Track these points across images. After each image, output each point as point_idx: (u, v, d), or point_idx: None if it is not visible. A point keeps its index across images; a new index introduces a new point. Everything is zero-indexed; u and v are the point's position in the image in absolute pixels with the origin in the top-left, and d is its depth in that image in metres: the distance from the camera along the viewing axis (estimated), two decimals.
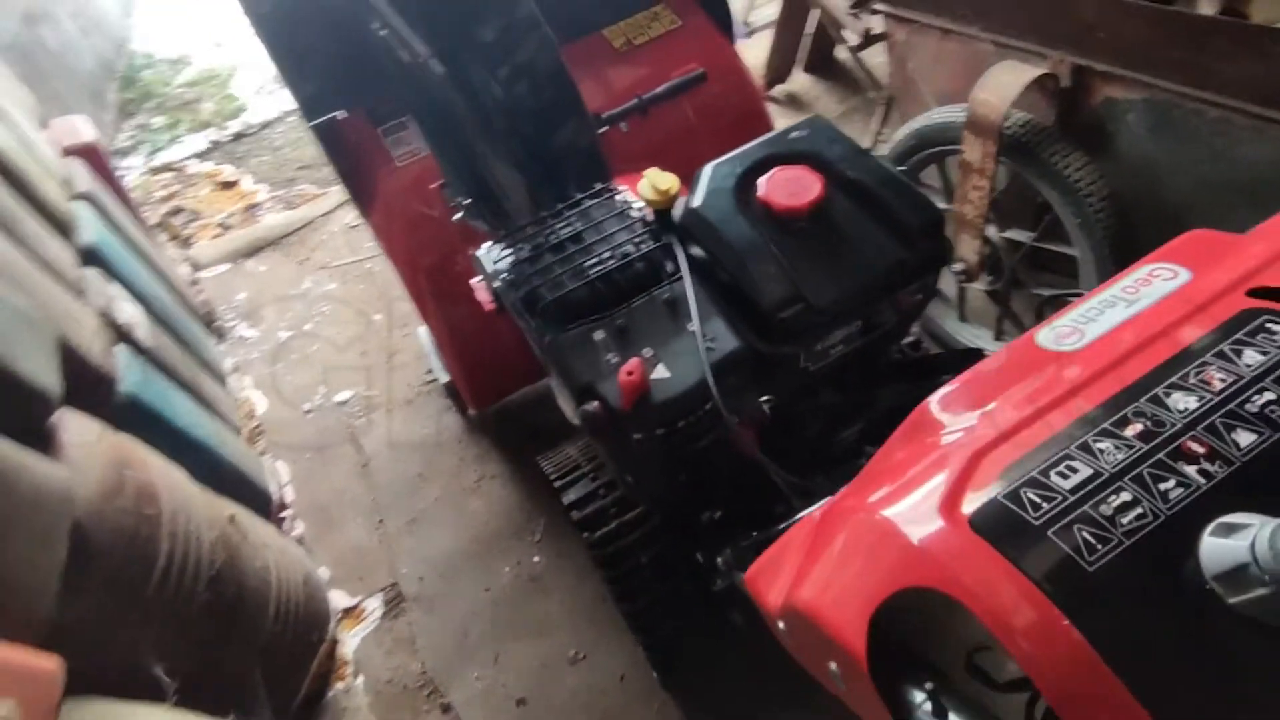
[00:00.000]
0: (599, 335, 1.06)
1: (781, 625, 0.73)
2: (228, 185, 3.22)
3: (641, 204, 1.19)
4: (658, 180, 1.15)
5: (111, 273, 1.92)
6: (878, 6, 2.06)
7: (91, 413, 1.40)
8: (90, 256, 1.85)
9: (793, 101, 3.16)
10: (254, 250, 2.90)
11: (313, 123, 1.75)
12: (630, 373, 0.98)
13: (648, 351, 1.04)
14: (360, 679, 1.81)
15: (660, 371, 1.02)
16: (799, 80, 3.22)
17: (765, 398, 1.06)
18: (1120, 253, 1.66)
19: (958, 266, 1.94)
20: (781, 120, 3.13)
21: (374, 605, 1.94)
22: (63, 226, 1.84)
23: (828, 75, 3.18)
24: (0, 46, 2.87)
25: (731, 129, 1.83)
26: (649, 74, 1.94)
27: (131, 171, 3.40)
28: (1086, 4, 1.50)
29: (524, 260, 1.16)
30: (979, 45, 1.83)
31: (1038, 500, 0.55)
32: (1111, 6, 1.45)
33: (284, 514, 2.12)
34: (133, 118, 3.71)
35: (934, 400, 0.70)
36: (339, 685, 1.79)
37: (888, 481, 0.64)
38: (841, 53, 3.04)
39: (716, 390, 0.98)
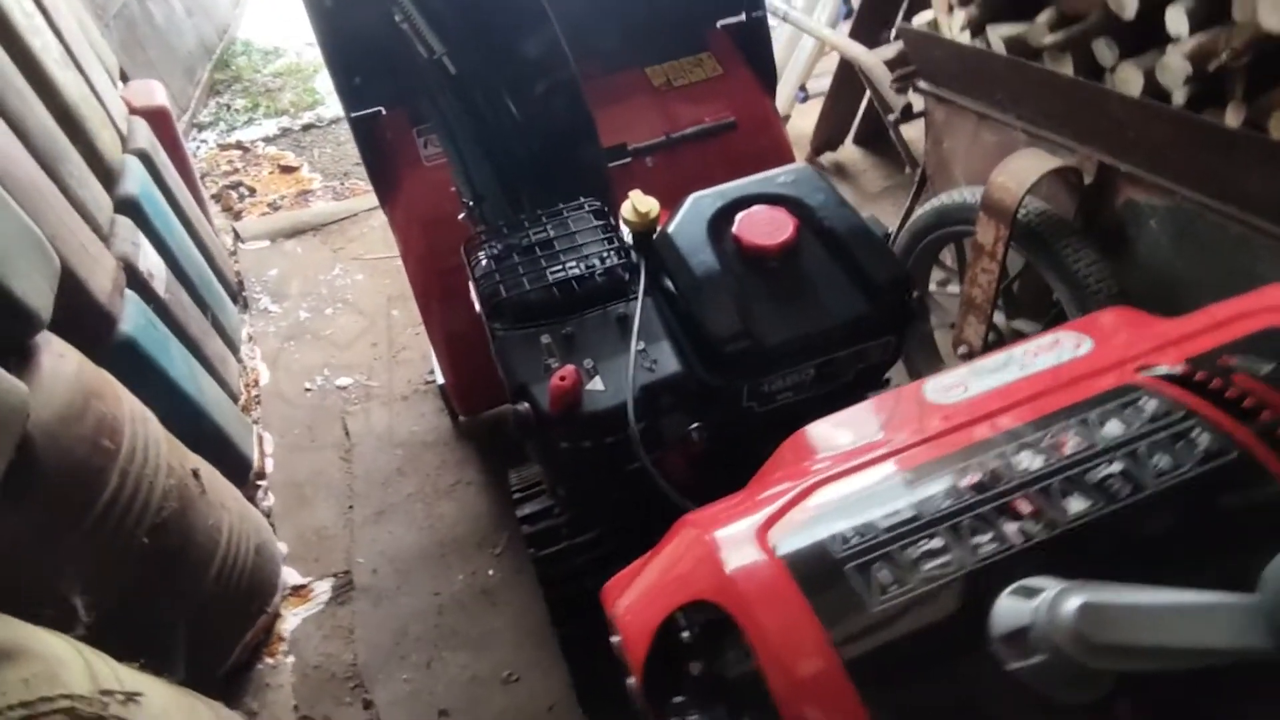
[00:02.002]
0: (545, 339, 1.07)
1: (614, 640, 0.71)
2: (288, 170, 3.38)
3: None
4: (639, 203, 1.17)
5: (146, 225, 2.02)
6: (919, 84, 2.08)
7: (86, 345, 1.46)
8: (128, 206, 1.96)
9: (839, 171, 3.19)
10: (295, 232, 3.02)
11: (353, 115, 1.82)
12: (562, 379, 0.98)
13: (589, 362, 1.04)
14: (291, 659, 1.80)
15: (596, 384, 1.01)
16: (849, 151, 3.24)
17: (695, 425, 1.04)
18: None
19: (961, 349, 1.90)
20: None
21: (323, 588, 1.94)
22: (109, 174, 1.95)
23: (878, 149, 3.19)
24: (111, 13, 3.11)
25: None
26: (682, 115, 1.99)
27: (205, 144, 3.61)
28: (1116, 102, 1.48)
29: (491, 258, 1.18)
30: (1012, 132, 1.82)
31: (850, 535, 0.54)
32: (1140, 108, 1.43)
33: (260, 483, 2.15)
34: (219, 96, 3.95)
35: (810, 429, 0.69)
36: (269, 660, 1.78)
37: (737, 500, 0.62)
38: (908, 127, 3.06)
39: (639, 410, 0.97)
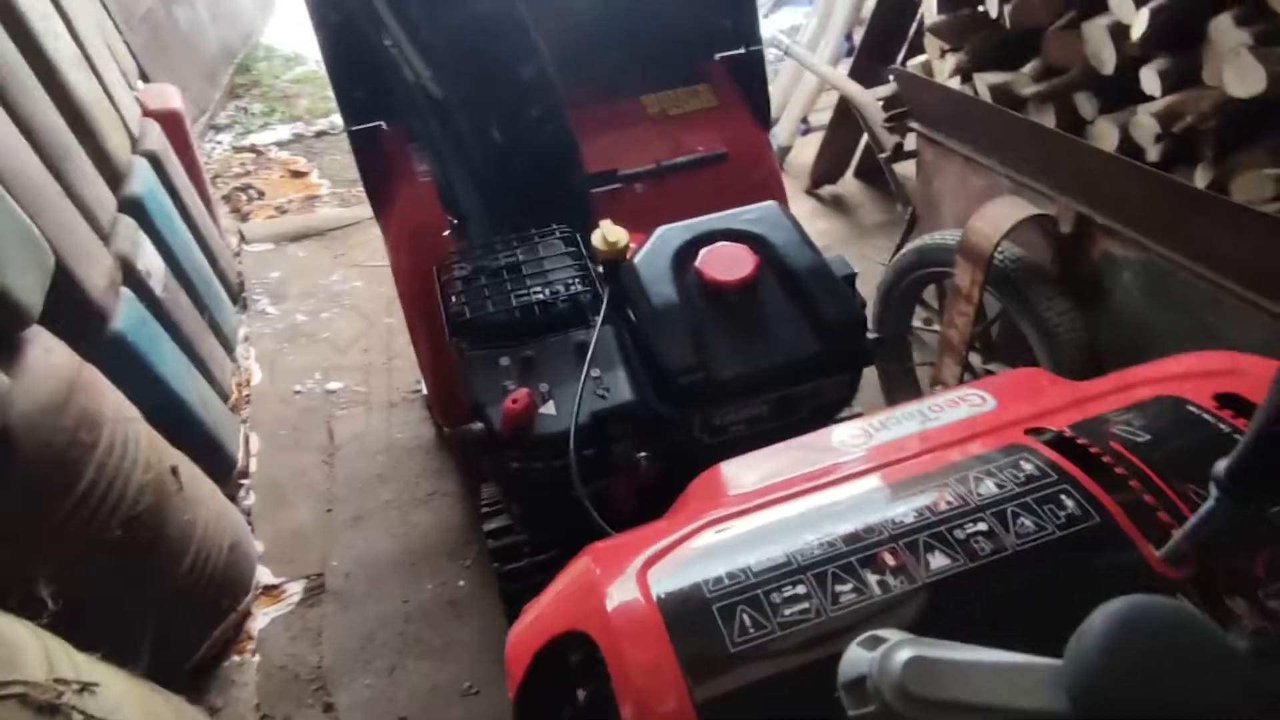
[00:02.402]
0: (505, 361, 1.09)
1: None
2: (298, 175, 3.46)
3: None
4: (609, 232, 1.20)
5: (149, 225, 2.08)
6: (911, 124, 2.11)
7: (78, 339, 1.50)
8: (132, 206, 2.01)
9: (837, 203, 3.22)
10: (300, 236, 3.08)
11: (352, 128, 1.87)
12: (515, 401, 1.01)
13: (544, 386, 1.06)
14: (257, 658, 1.82)
15: (549, 408, 1.04)
16: (849, 184, 3.28)
17: (642, 454, 1.06)
18: None
19: (938, 389, 1.92)
20: (821, 220, 3.19)
21: (295, 589, 1.97)
22: (116, 175, 2.01)
23: (878, 184, 3.22)
24: (137, 16, 3.20)
25: None
26: (674, 145, 2.02)
27: (220, 146, 3.69)
28: (1091, 156, 1.51)
29: (460, 279, 1.21)
30: (997, 177, 1.85)
31: (724, 576, 0.56)
32: (1113, 163, 1.46)
33: (243, 482, 2.19)
34: (239, 99, 4.04)
35: (722, 466, 0.72)
36: (236, 658, 1.81)
37: (641, 532, 0.65)
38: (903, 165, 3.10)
39: (588, 436, 1.00)
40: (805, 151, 3.30)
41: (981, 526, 0.57)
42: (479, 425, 1.04)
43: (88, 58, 2.04)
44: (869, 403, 2.27)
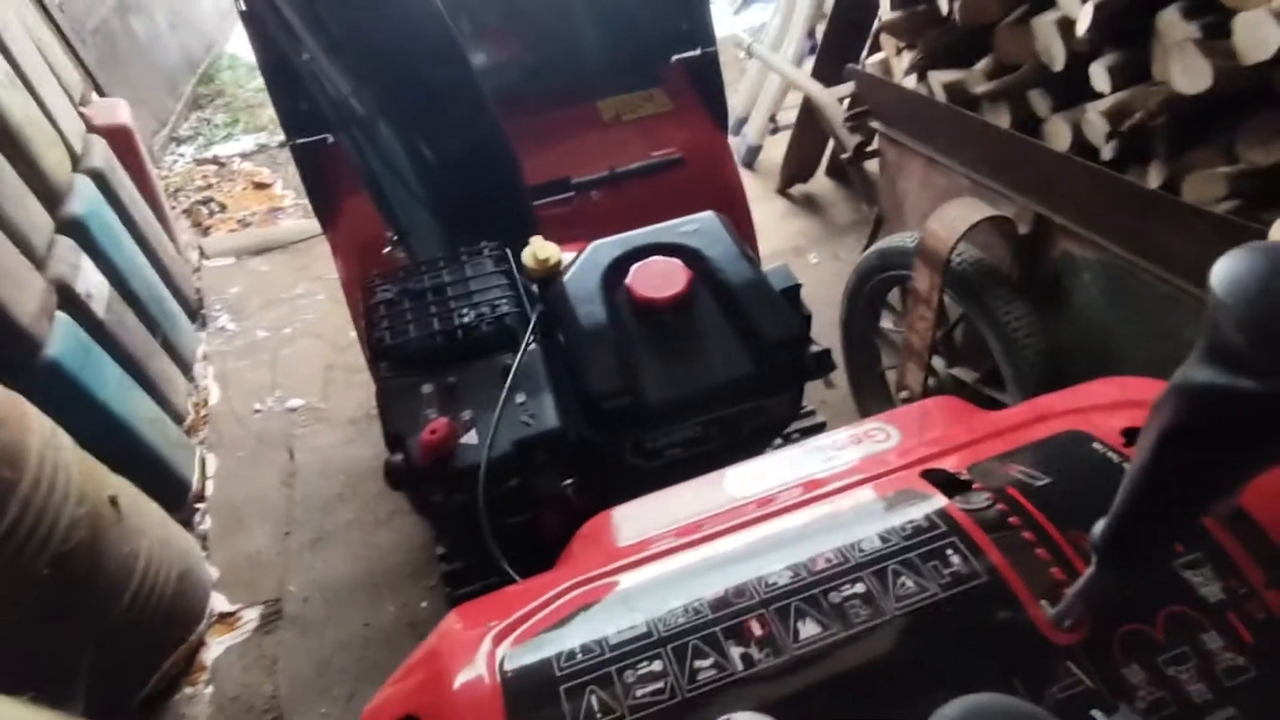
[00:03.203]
0: (427, 389, 1.04)
1: None
2: (261, 186, 3.40)
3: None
4: (540, 249, 1.15)
5: (92, 245, 2.02)
6: (872, 124, 2.07)
7: (5, 369, 1.45)
8: (72, 226, 1.96)
9: (809, 203, 3.18)
10: (261, 250, 3.03)
11: (293, 142, 1.82)
12: (433, 432, 0.96)
13: (467, 414, 1.01)
14: (210, 689, 1.77)
15: (471, 437, 0.99)
16: (820, 182, 3.24)
17: (568, 481, 1.02)
18: None
19: (902, 394, 1.88)
20: (794, 220, 3.14)
21: (251, 616, 1.92)
22: (53, 195, 1.95)
23: (850, 182, 3.19)
24: (89, 29, 3.14)
25: None
26: (629, 151, 1.97)
27: (182, 158, 3.63)
28: (1043, 155, 1.47)
29: (382, 302, 1.16)
30: (957, 178, 1.81)
31: (579, 651, 0.52)
32: (1065, 162, 1.42)
33: (198, 506, 2.14)
34: (201, 110, 3.98)
35: (609, 514, 0.67)
36: (188, 690, 1.76)
37: (515, 589, 0.60)
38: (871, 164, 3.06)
39: (512, 465, 0.95)
40: (776, 150, 3.25)
41: (859, 588, 0.53)
42: (397, 457, 0.99)
43: (22, 76, 1.98)
44: (840, 405, 2.24)
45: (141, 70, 3.52)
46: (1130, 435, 0.60)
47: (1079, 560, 0.52)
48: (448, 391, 1.04)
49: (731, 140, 3.52)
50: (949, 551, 0.54)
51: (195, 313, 2.71)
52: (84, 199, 2.04)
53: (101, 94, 3.00)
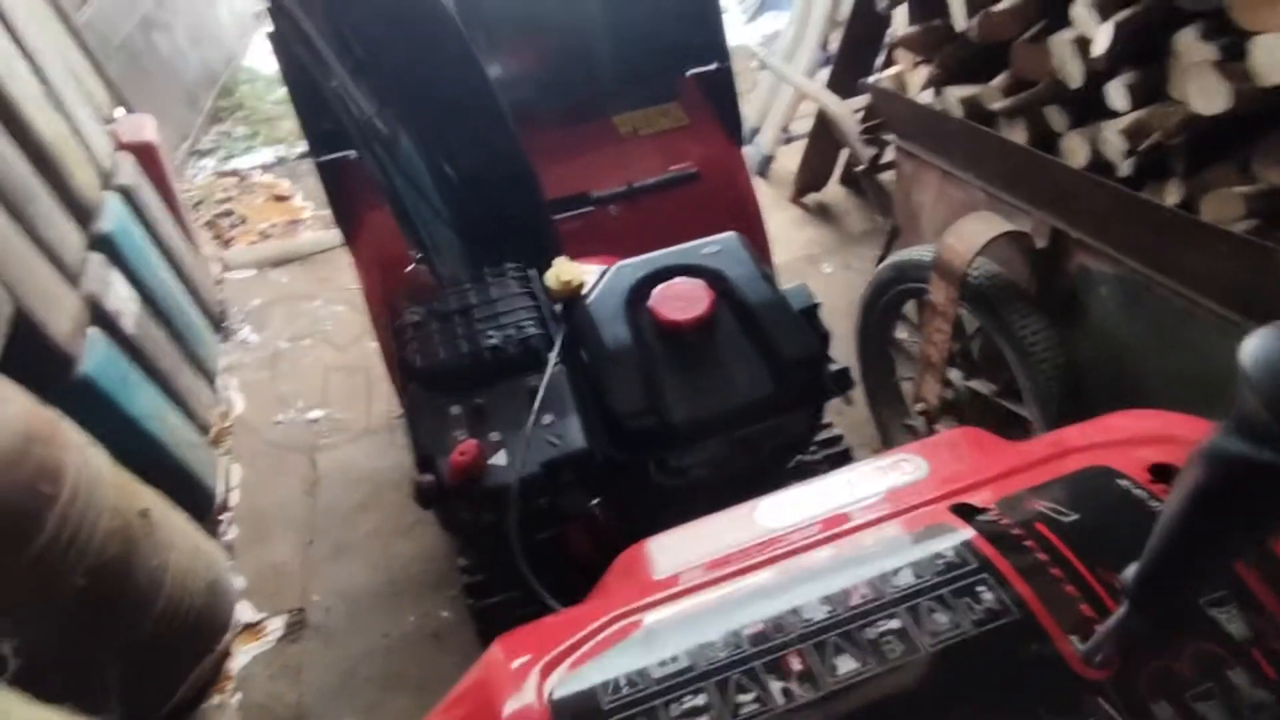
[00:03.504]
0: (455, 410, 1.06)
1: None
2: (281, 198, 3.45)
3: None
4: (562, 271, 1.17)
5: (121, 261, 2.07)
6: (887, 137, 2.09)
7: (42, 385, 1.49)
8: (102, 243, 2.00)
9: (822, 212, 3.19)
10: (282, 261, 3.07)
11: (319, 159, 1.86)
12: (462, 453, 0.98)
13: (495, 435, 1.03)
14: (237, 698, 1.80)
15: (499, 458, 1.01)
16: (834, 192, 3.25)
17: (595, 501, 1.04)
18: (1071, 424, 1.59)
19: (919, 406, 1.89)
20: (807, 229, 3.16)
21: (276, 625, 1.95)
22: (85, 212, 2.00)
23: (864, 191, 3.20)
24: (113, 45, 3.20)
25: (721, 228, 1.89)
26: (645, 165, 1.99)
27: (203, 172, 3.69)
28: (1061, 172, 1.48)
29: (410, 324, 1.18)
30: (974, 191, 1.82)
31: (624, 683, 0.53)
32: (1082, 179, 1.43)
33: (223, 516, 2.17)
34: (221, 124, 4.04)
35: (645, 545, 0.69)
36: (215, 699, 1.79)
37: (556, 619, 0.62)
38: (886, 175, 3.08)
39: (539, 486, 0.98)
40: (789, 160, 3.27)
41: (894, 624, 0.54)
42: (427, 477, 1.02)
43: (53, 95, 2.03)
44: (856, 417, 2.24)
45: (164, 85, 3.58)
46: (1157, 472, 0.61)
47: (1108, 597, 0.53)
48: (475, 413, 1.05)
49: (745, 150, 3.56)
50: (980, 588, 0.55)
51: (218, 325, 2.75)
52: (113, 216, 2.09)
53: (128, 109, 3.06)
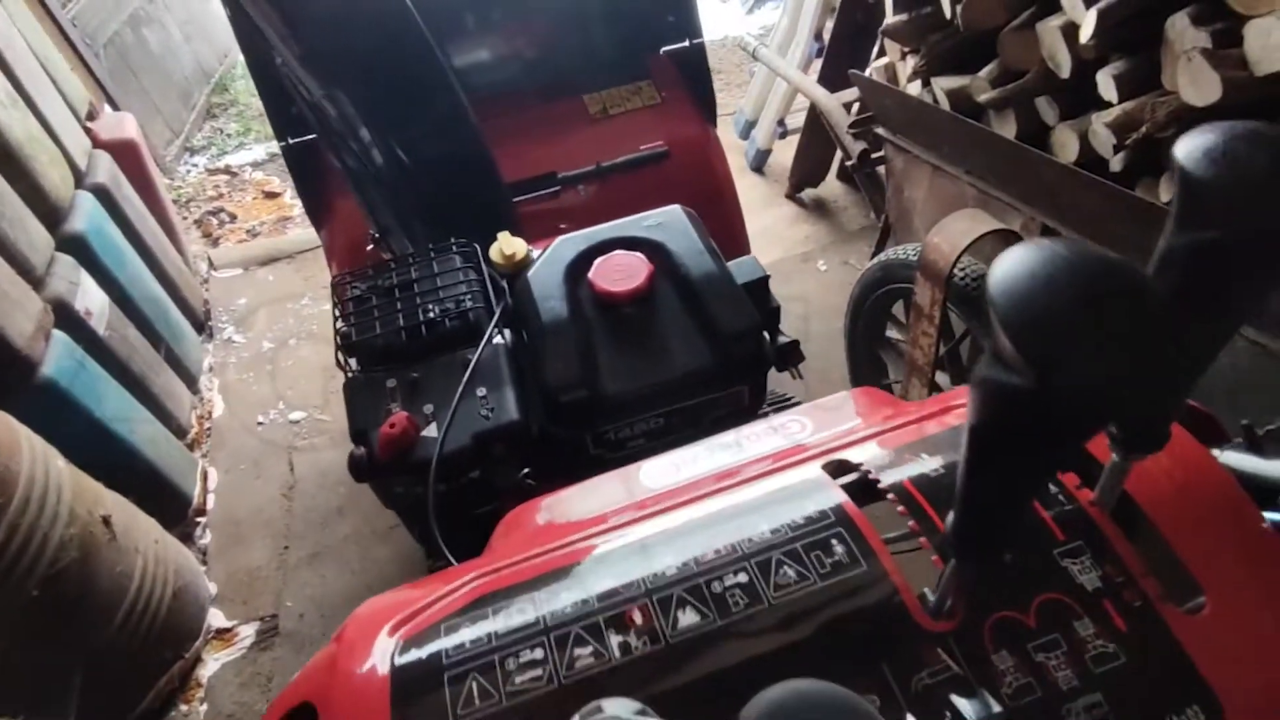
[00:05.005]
0: (391, 384, 1.05)
1: None
2: (271, 196, 3.42)
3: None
4: (506, 245, 1.17)
5: (93, 262, 2.04)
6: (878, 131, 2.01)
7: (1, 390, 1.46)
8: (73, 244, 1.97)
9: (819, 207, 3.12)
10: (269, 260, 3.04)
11: (283, 143, 1.83)
12: (392, 426, 0.96)
13: (429, 409, 1.02)
14: (205, 707, 1.77)
15: (431, 430, 0.99)
16: (831, 186, 3.17)
17: (525, 472, 1.02)
18: None
19: None
20: (803, 225, 3.08)
21: (248, 633, 1.92)
22: (55, 212, 1.97)
23: (865, 184, 3.12)
24: (101, 42, 3.18)
25: (694, 207, 1.83)
26: (615, 144, 1.95)
27: (195, 169, 3.66)
28: (1047, 168, 1.41)
29: (351, 299, 1.16)
30: (965, 187, 1.75)
31: (467, 640, 0.54)
32: (1070, 175, 1.36)
33: (199, 520, 2.14)
34: (215, 120, 4.01)
35: (535, 503, 0.72)
36: (183, 707, 1.76)
37: (422, 584, 0.63)
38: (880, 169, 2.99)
39: (470, 458, 0.97)
40: (785, 154, 3.19)
41: (741, 578, 0.54)
42: (360, 450, 1.00)
43: (23, 93, 2.00)
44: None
45: (155, 81, 3.55)
46: None
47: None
48: (411, 386, 1.05)
49: (740, 144, 3.48)
50: (833, 541, 0.55)
51: (202, 324, 2.73)
52: (86, 215, 2.06)
53: (115, 107, 3.04)
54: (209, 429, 2.41)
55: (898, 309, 2.01)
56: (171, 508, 2.04)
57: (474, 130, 1.36)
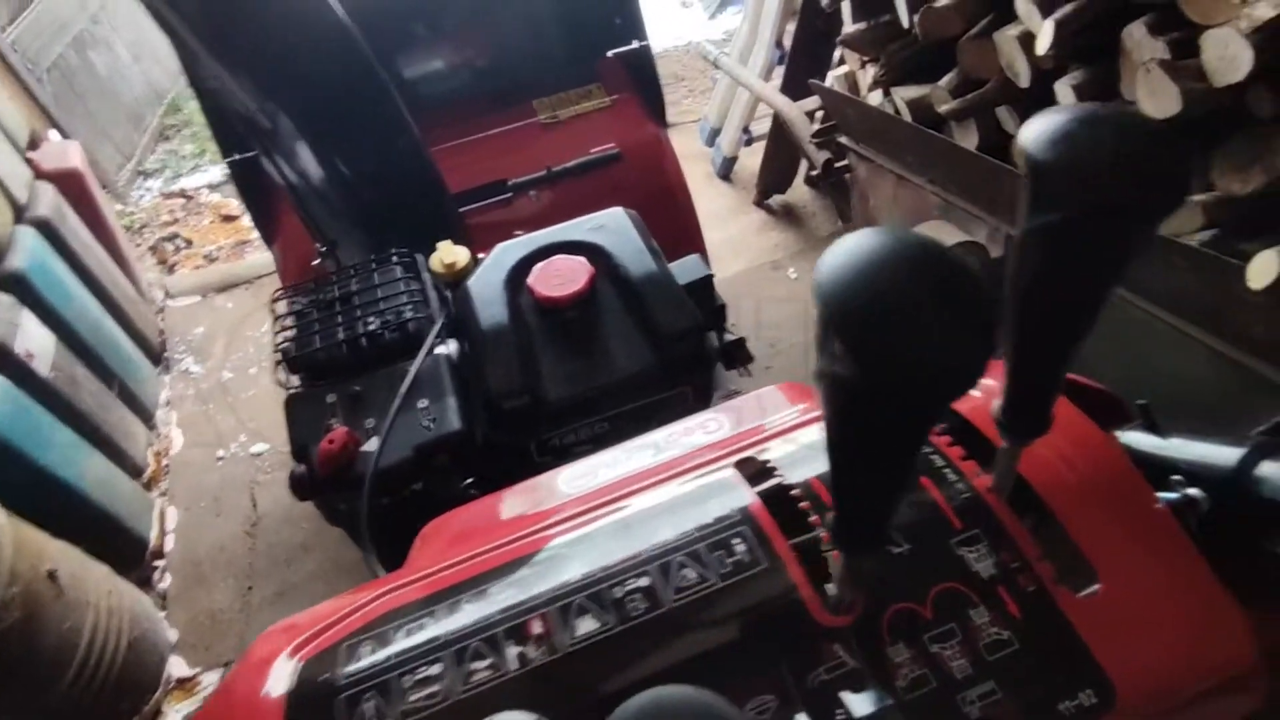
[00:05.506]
0: (331, 398, 1.02)
1: None
2: (229, 219, 3.33)
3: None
4: (446, 254, 1.14)
5: (35, 299, 1.95)
6: (842, 140, 1.99)
7: None
8: (12, 282, 1.89)
9: (788, 214, 3.10)
10: (227, 286, 2.96)
11: (229, 159, 1.78)
12: (331, 441, 0.93)
13: (370, 422, 0.99)
14: None
15: (372, 444, 0.96)
16: (800, 192, 3.15)
17: (468, 482, 0.98)
18: None
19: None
20: (772, 233, 3.06)
21: (211, 680, 1.85)
22: None
23: (830, 192, 3.11)
24: (43, 67, 3.07)
25: (647, 209, 1.81)
26: (566, 148, 1.92)
27: (149, 193, 3.56)
28: (1010, 179, 1.39)
29: (291, 313, 1.13)
30: (929, 197, 1.74)
31: (365, 660, 0.53)
32: None
33: (157, 563, 2.07)
34: (168, 142, 3.91)
35: (451, 515, 0.70)
36: None
37: (331, 606, 0.61)
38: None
39: (412, 470, 0.95)
40: (751, 161, 3.17)
41: (642, 582, 0.53)
42: (300, 468, 0.97)
43: None
44: None
45: (104, 104, 3.45)
46: (951, 420, 0.60)
47: None
48: (352, 400, 1.02)
49: (706, 151, 3.45)
50: (734, 541, 0.54)
51: (158, 356, 2.64)
52: (26, 252, 1.98)
53: (63, 133, 2.94)
54: (167, 466, 2.32)
55: None
56: (127, 552, 1.96)
57: (415, 140, 1.34)
